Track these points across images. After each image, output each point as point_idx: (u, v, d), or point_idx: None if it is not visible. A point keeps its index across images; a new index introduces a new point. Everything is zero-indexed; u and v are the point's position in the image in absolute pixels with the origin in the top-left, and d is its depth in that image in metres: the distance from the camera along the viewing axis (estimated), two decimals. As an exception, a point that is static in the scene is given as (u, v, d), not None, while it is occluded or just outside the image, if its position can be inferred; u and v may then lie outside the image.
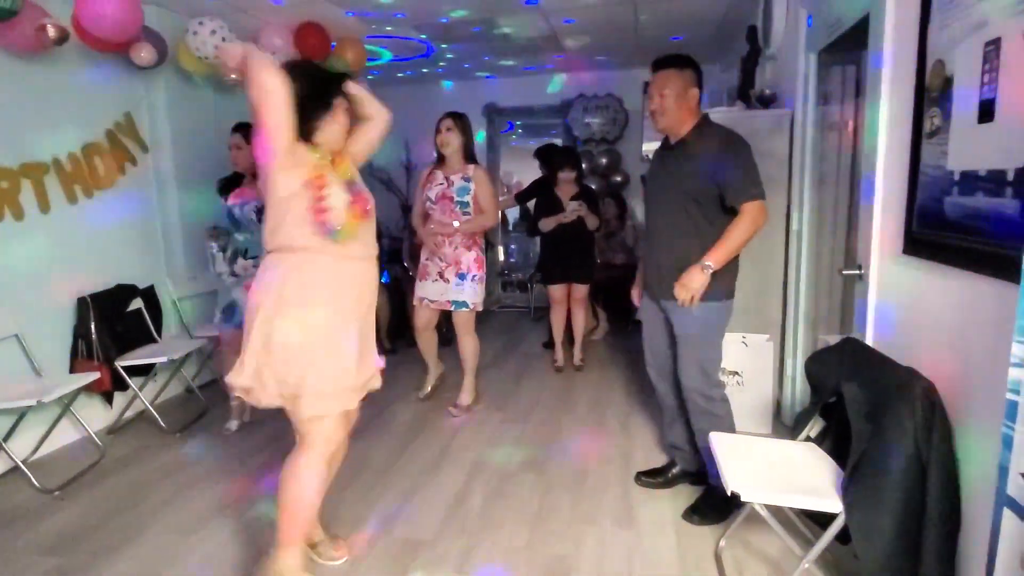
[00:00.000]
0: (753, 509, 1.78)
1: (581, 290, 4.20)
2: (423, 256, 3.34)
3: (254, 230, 2.98)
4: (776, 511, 1.77)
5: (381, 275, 2.09)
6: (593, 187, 4.60)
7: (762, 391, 2.93)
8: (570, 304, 4.23)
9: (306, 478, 1.79)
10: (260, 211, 2.95)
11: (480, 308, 3.30)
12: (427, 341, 3.52)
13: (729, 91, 3.66)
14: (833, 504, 1.59)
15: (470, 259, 3.21)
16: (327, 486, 1.89)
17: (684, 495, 2.44)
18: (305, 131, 1.73)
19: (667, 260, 2.24)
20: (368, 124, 1.95)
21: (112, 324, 3.20)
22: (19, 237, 2.87)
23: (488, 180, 3.24)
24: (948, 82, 1.51)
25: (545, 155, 4.64)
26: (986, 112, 1.34)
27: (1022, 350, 1.00)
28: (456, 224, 3.20)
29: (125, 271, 3.41)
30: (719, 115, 2.62)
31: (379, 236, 2.16)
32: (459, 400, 3.42)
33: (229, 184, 3.12)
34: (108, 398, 3.26)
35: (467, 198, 3.16)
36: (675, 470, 2.54)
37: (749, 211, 2.08)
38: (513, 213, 7.21)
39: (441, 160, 3.27)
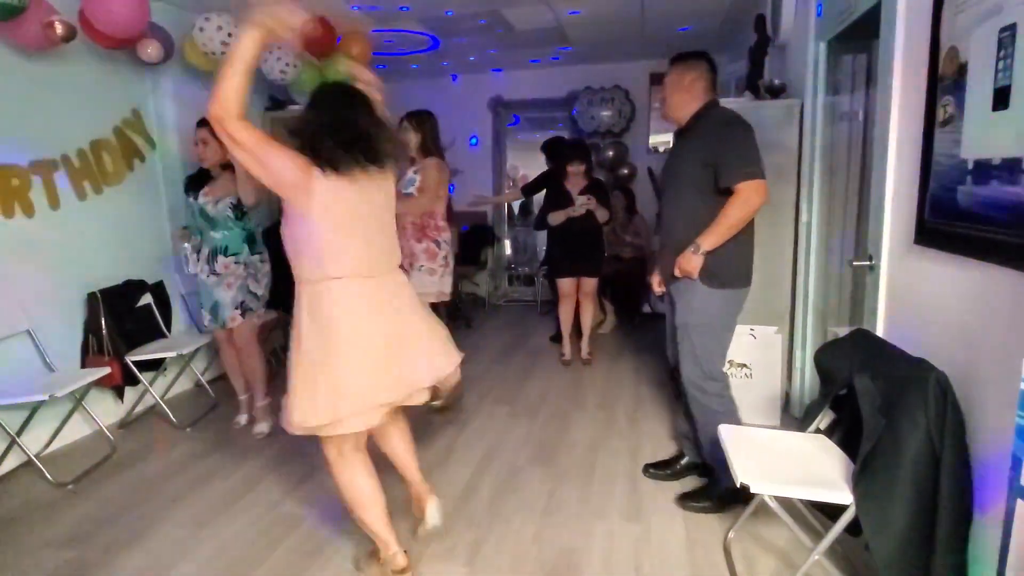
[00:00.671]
0: (762, 501, 1.77)
1: (590, 283, 4.17)
2: None
3: (232, 226, 2.97)
4: (786, 503, 1.77)
5: None
6: (603, 180, 4.57)
7: (771, 383, 2.92)
8: (578, 298, 4.22)
9: (344, 478, 1.82)
10: (236, 207, 2.95)
11: (434, 299, 3.16)
12: None
13: (737, 81, 3.63)
14: (844, 496, 1.58)
15: (420, 250, 3.16)
16: (376, 481, 1.85)
17: (692, 488, 2.44)
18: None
19: (673, 246, 2.23)
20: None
21: (122, 319, 3.22)
22: (30, 233, 2.89)
23: (436, 169, 3.13)
24: (962, 69, 1.48)
25: (553, 148, 4.61)
26: (1001, 99, 1.32)
27: (1038, 340, 0.99)
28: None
29: (135, 267, 3.43)
30: (727, 106, 2.59)
31: None
32: None
33: (196, 181, 3.04)
34: (119, 393, 3.28)
35: (412, 189, 3.12)
36: (683, 462, 2.54)
37: (742, 191, 2.04)
38: (514, 205, 7.21)
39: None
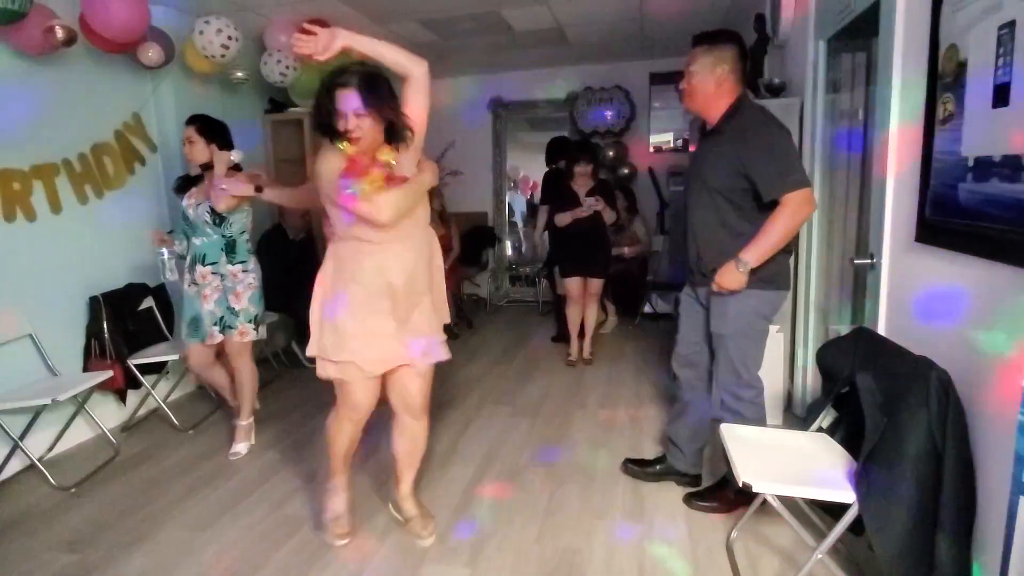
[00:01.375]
0: (765, 500, 1.77)
1: (596, 285, 4.13)
2: None
3: (211, 232, 2.76)
4: (788, 502, 1.76)
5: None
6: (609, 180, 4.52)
7: (773, 382, 2.90)
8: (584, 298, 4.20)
9: (331, 430, 2.09)
10: (214, 211, 2.73)
11: None
12: None
13: (737, 80, 3.62)
14: (846, 495, 1.58)
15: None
16: (354, 444, 2.13)
17: (660, 491, 2.43)
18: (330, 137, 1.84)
19: (704, 255, 2.14)
20: (407, 85, 1.88)
21: (124, 323, 3.23)
22: (32, 238, 2.90)
23: None
24: (961, 67, 1.48)
25: (559, 148, 4.58)
26: (1001, 97, 1.32)
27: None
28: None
29: (136, 270, 3.43)
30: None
31: None
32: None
33: (189, 183, 2.85)
34: (122, 396, 3.29)
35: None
36: (662, 466, 2.50)
37: (788, 202, 1.90)
38: (520, 206, 7.19)
39: None
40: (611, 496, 2.43)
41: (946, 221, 1.57)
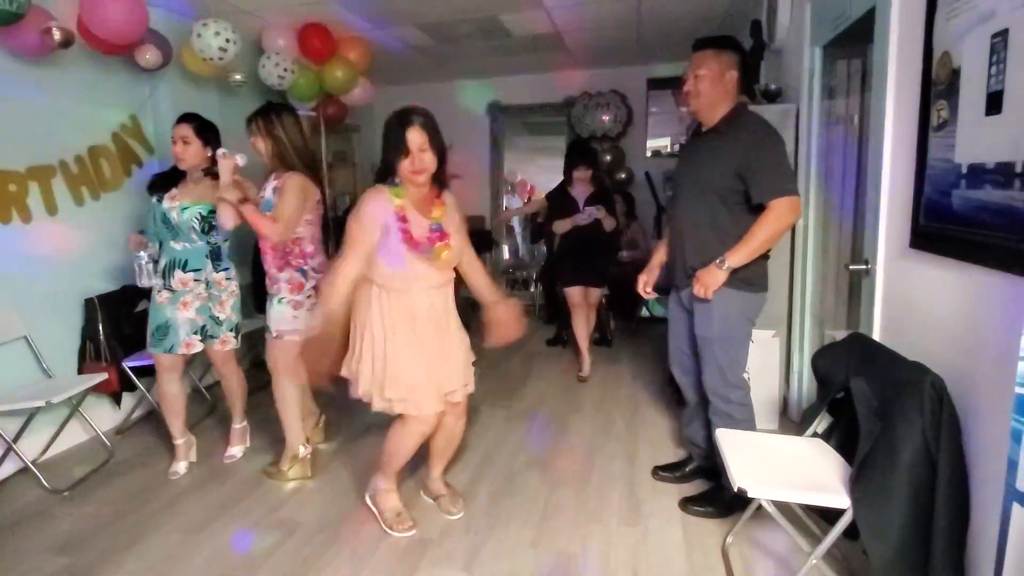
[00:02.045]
0: (760, 505, 1.77)
1: (595, 294, 4.03)
2: None
3: (196, 239, 2.60)
4: (783, 507, 1.77)
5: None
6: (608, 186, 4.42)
7: (768, 387, 2.92)
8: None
9: (399, 441, 2.19)
10: (205, 218, 2.58)
11: (293, 336, 2.49)
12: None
13: (733, 86, 3.63)
14: (841, 500, 1.58)
15: (282, 280, 2.52)
16: (410, 453, 2.22)
17: (692, 492, 2.44)
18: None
19: (690, 255, 2.18)
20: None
21: (120, 325, 3.21)
22: (27, 239, 2.89)
23: (293, 188, 2.38)
24: (955, 74, 1.49)
25: (580, 154, 4.41)
26: (994, 104, 1.33)
27: (1031, 343, 0.99)
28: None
29: (132, 273, 3.41)
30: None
31: None
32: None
33: (165, 182, 2.64)
34: (116, 399, 3.28)
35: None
36: (692, 465, 2.54)
37: (775, 207, 1.97)
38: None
39: None
40: (607, 500, 2.43)
41: (940, 228, 1.58)
